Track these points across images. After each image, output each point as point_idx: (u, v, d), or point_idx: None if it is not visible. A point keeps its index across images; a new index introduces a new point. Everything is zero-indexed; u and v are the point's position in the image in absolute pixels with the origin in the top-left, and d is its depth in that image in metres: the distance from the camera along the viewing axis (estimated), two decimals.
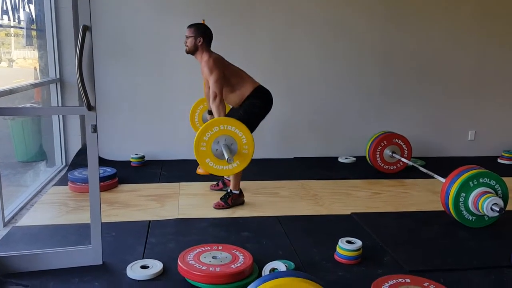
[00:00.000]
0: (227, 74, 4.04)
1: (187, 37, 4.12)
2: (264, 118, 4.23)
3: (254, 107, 4.09)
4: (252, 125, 4.03)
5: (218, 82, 3.96)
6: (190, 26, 4.15)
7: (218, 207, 4.14)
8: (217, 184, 4.66)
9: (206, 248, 3.07)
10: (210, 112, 4.56)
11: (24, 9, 4.52)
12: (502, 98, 6.20)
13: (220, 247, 3.10)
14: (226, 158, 3.66)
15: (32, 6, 4.75)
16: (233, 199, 4.18)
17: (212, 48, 4.14)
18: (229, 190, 4.22)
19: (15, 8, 4.26)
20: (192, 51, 4.13)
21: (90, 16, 2.65)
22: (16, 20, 4.40)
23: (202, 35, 4.07)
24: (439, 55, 5.95)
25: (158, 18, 5.40)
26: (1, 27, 4.38)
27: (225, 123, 3.78)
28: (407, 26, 5.82)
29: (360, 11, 5.70)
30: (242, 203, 4.26)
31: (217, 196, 4.38)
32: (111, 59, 5.39)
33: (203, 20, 4.76)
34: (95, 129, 2.81)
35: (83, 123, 4.98)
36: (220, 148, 3.77)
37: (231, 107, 4.35)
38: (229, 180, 4.48)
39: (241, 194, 4.25)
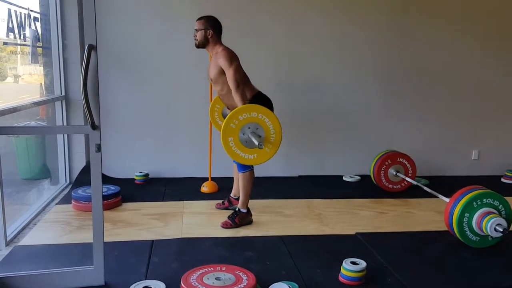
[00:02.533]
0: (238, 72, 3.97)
1: (197, 30, 4.04)
2: None
3: None
4: None
5: (238, 71, 3.90)
6: (199, 19, 4.07)
7: (226, 226, 4.11)
8: (223, 203, 4.63)
9: (210, 269, 3.05)
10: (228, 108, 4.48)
11: (30, 27, 4.55)
12: (505, 117, 6.19)
13: (223, 268, 3.08)
14: (257, 144, 3.59)
15: (38, 24, 4.78)
16: (241, 218, 4.15)
17: None
18: (237, 209, 4.19)
19: (21, 26, 4.29)
20: (202, 44, 4.06)
21: (95, 35, 2.66)
22: (22, 38, 4.42)
23: (212, 27, 4.01)
24: (443, 74, 5.96)
25: (163, 37, 5.43)
26: (6, 44, 4.41)
27: (247, 111, 3.69)
28: (411, 45, 5.83)
29: (364, 30, 5.73)
30: (250, 222, 4.22)
31: (221, 214, 4.36)
32: (116, 77, 5.41)
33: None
34: (99, 148, 2.81)
35: (88, 141, 4.98)
36: (248, 138, 3.69)
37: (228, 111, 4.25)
38: (236, 199, 4.46)
39: (249, 213, 4.22)
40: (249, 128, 3.70)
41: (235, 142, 3.69)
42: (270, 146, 3.75)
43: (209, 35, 4.01)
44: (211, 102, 4.92)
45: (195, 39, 4.08)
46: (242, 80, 3.93)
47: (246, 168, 4.09)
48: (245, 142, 3.71)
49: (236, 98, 3.86)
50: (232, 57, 3.93)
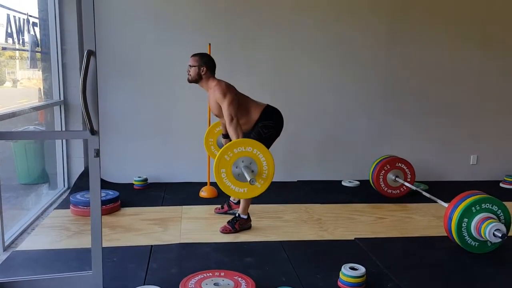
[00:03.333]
0: (237, 98, 4.05)
1: (190, 66, 4.13)
2: (279, 136, 4.23)
3: (266, 128, 4.09)
4: (266, 145, 4.01)
5: (232, 104, 3.96)
6: (193, 56, 4.16)
7: (225, 231, 4.10)
8: (222, 207, 4.63)
9: (208, 275, 3.04)
10: (225, 136, 4.52)
11: (29, 32, 4.55)
12: (504, 122, 6.20)
13: (222, 273, 3.07)
14: (249, 180, 3.59)
15: (37, 29, 4.78)
16: (241, 224, 4.14)
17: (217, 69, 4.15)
18: (237, 215, 4.18)
19: (19, 31, 4.29)
20: (195, 80, 4.14)
21: (95, 41, 2.66)
22: (21, 43, 4.43)
23: (205, 64, 4.09)
24: (442, 79, 5.97)
25: (162, 42, 5.44)
26: (5, 49, 4.41)
27: (242, 145, 3.71)
28: (410, 49, 5.84)
29: (363, 33, 5.74)
30: (249, 227, 4.22)
31: (220, 219, 4.36)
32: (115, 82, 5.41)
33: (209, 45, 4.80)
34: (97, 153, 2.80)
35: (86, 146, 4.97)
36: (241, 171, 3.70)
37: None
38: (235, 203, 4.45)
39: (248, 218, 4.21)
40: (242, 162, 3.71)
41: (227, 174, 3.70)
42: (261, 182, 3.75)
43: (202, 72, 4.09)
44: (207, 131, 4.96)
45: (188, 74, 4.17)
46: (237, 114, 4.00)
47: None
48: (237, 176, 3.71)
49: (230, 131, 3.96)
50: (226, 91, 4.00)
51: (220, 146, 4.81)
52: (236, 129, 3.93)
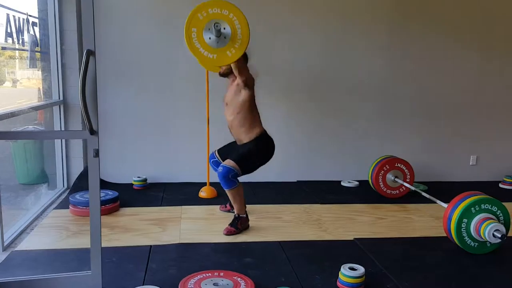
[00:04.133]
0: (253, 99, 4.06)
1: None
2: (263, 165, 4.21)
3: (254, 155, 4.06)
4: (247, 168, 4.03)
5: (250, 87, 3.98)
6: None
7: (229, 233, 4.07)
8: (225, 206, 4.64)
9: (208, 275, 3.04)
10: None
11: (28, 32, 4.55)
12: (503, 123, 6.20)
13: (221, 274, 3.07)
14: (214, 34, 3.45)
15: (36, 29, 4.78)
16: (242, 223, 4.14)
17: None
18: (236, 215, 4.17)
19: (19, 31, 4.29)
20: (226, 73, 4.12)
21: (94, 40, 2.66)
22: (20, 43, 4.42)
23: (242, 56, 3.94)
24: (441, 80, 5.97)
25: (162, 42, 5.43)
26: (5, 49, 4.40)
27: (219, 7, 3.50)
28: (409, 52, 5.84)
29: (363, 36, 5.74)
30: (247, 227, 4.22)
31: (219, 220, 4.36)
32: (115, 82, 5.41)
33: None
34: (97, 153, 2.80)
35: (86, 146, 4.97)
36: (212, 35, 3.51)
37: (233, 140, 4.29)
38: None
39: (247, 217, 4.21)
40: (216, 25, 3.51)
41: (197, 35, 3.52)
42: (232, 51, 3.55)
43: (238, 63, 3.87)
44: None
45: (219, 67, 4.11)
46: (252, 86, 3.99)
47: (233, 184, 4.00)
48: (208, 39, 3.55)
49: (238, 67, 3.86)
50: (251, 79, 4.02)
51: None
52: (243, 69, 3.89)
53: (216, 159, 4.36)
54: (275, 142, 4.20)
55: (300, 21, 5.62)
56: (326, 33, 5.69)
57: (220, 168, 3.96)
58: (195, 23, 3.50)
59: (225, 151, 4.28)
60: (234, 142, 4.26)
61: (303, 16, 5.60)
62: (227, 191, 4.06)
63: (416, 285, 3.22)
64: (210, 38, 3.52)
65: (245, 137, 4.10)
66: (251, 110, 4.08)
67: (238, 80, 3.97)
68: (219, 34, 3.49)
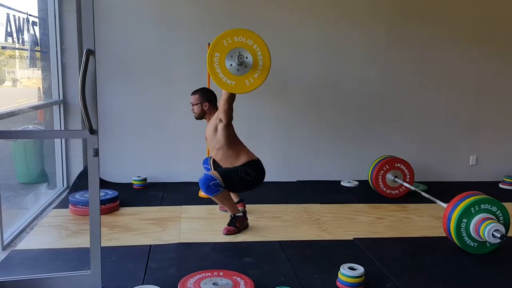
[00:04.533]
0: (232, 130, 4.10)
1: (193, 104, 4.21)
2: (250, 190, 4.20)
3: (240, 174, 4.02)
4: (231, 184, 3.98)
5: (228, 124, 4.01)
6: (193, 93, 4.26)
7: (229, 232, 4.08)
8: None
9: (207, 274, 3.04)
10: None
11: (28, 31, 4.55)
12: (503, 123, 6.20)
13: (221, 273, 3.07)
14: (236, 63, 3.54)
15: (36, 28, 4.78)
16: (240, 222, 4.14)
17: None
18: (231, 215, 4.16)
19: (19, 30, 4.29)
20: (200, 116, 4.24)
21: (94, 40, 2.66)
22: (20, 42, 4.42)
23: (207, 99, 4.20)
24: (442, 80, 5.97)
25: (162, 41, 5.44)
26: (5, 48, 4.40)
27: (244, 35, 3.57)
28: (409, 50, 5.84)
29: (362, 36, 5.74)
30: (247, 226, 4.22)
31: (219, 219, 4.36)
32: (115, 82, 5.41)
33: (208, 44, 4.79)
34: (96, 152, 2.80)
35: (85, 145, 4.98)
36: (234, 63, 3.58)
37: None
38: (237, 202, 4.41)
39: (245, 216, 4.21)
40: (239, 53, 3.58)
41: (220, 60, 3.58)
42: (250, 81, 3.62)
43: (205, 107, 4.19)
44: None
45: (193, 112, 4.25)
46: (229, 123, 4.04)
47: (215, 191, 3.93)
48: (229, 66, 3.60)
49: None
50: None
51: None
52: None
53: (209, 166, 4.37)
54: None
55: (299, 22, 5.62)
56: (326, 35, 5.69)
57: (201, 176, 3.95)
58: (219, 48, 3.58)
59: (219, 166, 4.24)
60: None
61: (301, 16, 5.60)
62: (211, 197, 4.02)
63: (416, 285, 3.22)
64: (231, 65, 3.61)
65: (236, 159, 4.11)
66: (233, 144, 4.10)
67: (222, 118, 3.96)
68: (241, 63, 3.59)
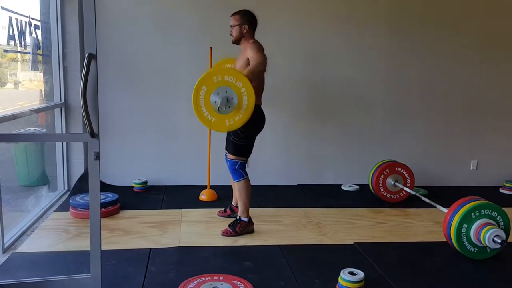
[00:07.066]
0: (264, 69, 3.97)
1: (232, 26, 4.07)
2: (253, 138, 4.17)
3: (242, 134, 4.01)
4: (245, 151, 4.07)
5: (261, 64, 3.84)
6: (234, 14, 4.10)
7: (226, 234, 4.09)
8: (225, 211, 4.63)
9: (207, 278, 3.04)
10: None
11: (30, 35, 4.56)
12: (504, 128, 6.20)
13: (221, 277, 3.08)
14: (218, 106, 3.56)
15: (38, 32, 4.79)
16: (242, 227, 4.13)
17: None
18: (237, 217, 4.17)
19: (21, 33, 4.30)
20: (238, 40, 4.09)
21: (96, 44, 2.66)
22: (22, 45, 4.44)
23: (247, 22, 4.04)
24: (443, 85, 5.98)
25: (163, 45, 5.45)
26: (7, 52, 4.42)
27: (234, 76, 3.61)
28: (410, 57, 5.85)
29: (364, 41, 5.75)
30: (251, 231, 4.20)
31: (220, 223, 4.36)
32: (116, 86, 5.42)
33: (210, 48, 4.82)
34: (97, 156, 2.80)
35: (86, 148, 4.98)
36: (218, 100, 3.59)
37: None
38: (237, 207, 4.44)
39: (250, 222, 4.20)
40: (226, 92, 3.61)
41: (205, 94, 3.61)
42: (230, 121, 3.67)
43: (244, 29, 4.04)
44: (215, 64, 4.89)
45: (231, 35, 4.11)
46: (258, 77, 3.90)
47: (240, 176, 4.09)
48: (213, 103, 3.63)
49: (250, 69, 3.79)
50: (260, 48, 3.94)
51: None
52: (254, 72, 3.79)
53: (226, 154, 4.36)
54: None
55: (301, 24, 5.63)
56: (326, 37, 5.69)
57: (227, 163, 4.15)
58: (207, 83, 3.61)
59: (226, 143, 4.29)
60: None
61: (303, 19, 5.61)
62: (235, 183, 4.15)
63: None
64: (215, 102, 3.63)
65: None
66: (260, 79, 4.05)
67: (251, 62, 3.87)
68: (225, 103, 3.62)
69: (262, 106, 4.14)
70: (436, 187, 5.96)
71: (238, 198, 4.18)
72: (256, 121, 4.02)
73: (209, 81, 3.60)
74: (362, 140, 5.96)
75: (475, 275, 3.49)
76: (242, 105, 3.65)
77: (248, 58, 3.94)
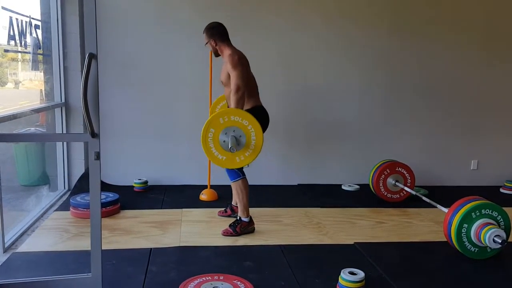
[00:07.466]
0: (247, 75, 4.03)
1: (206, 44, 4.18)
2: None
3: None
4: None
5: (242, 77, 3.90)
6: (203, 32, 4.18)
7: (226, 234, 4.09)
8: (225, 211, 4.63)
9: (207, 278, 3.04)
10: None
11: (31, 34, 4.56)
12: (505, 128, 6.20)
13: (221, 277, 3.08)
14: (229, 147, 3.66)
15: (39, 31, 4.80)
16: (242, 227, 4.13)
17: None
18: (238, 217, 4.17)
19: (22, 33, 4.30)
20: (216, 53, 4.19)
21: (96, 44, 2.66)
22: (23, 45, 4.44)
23: (212, 36, 4.12)
24: (443, 84, 5.98)
25: (163, 45, 5.45)
26: (8, 51, 4.42)
27: (240, 116, 3.73)
28: (410, 56, 5.85)
29: (364, 40, 5.74)
30: (252, 231, 4.21)
31: (220, 223, 4.36)
32: (116, 86, 5.42)
33: (211, 51, 4.81)
34: (98, 156, 2.80)
35: (87, 148, 4.99)
36: (227, 139, 3.72)
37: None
38: (237, 207, 4.44)
39: (251, 222, 4.20)
40: (234, 131, 3.74)
41: (214, 136, 3.73)
42: (241, 158, 3.80)
43: (214, 44, 4.13)
44: (210, 107, 4.97)
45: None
46: (244, 86, 3.92)
47: (236, 176, 4.09)
48: (222, 142, 3.74)
49: (233, 100, 3.90)
50: (238, 63, 3.95)
51: None
52: (239, 100, 3.88)
53: None
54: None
55: (302, 24, 5.62)
56: (325, 35, 5.69)
57: None
58: (214, 125, 3.74)
59: None
60: None
61: (304, 18, 5.61)
62: (231, 183, 4.13)
63: None
64: (224, 141, 3.75)
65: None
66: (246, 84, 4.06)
67: (231, 85, 3.95)
68: (235, 142, 3.74)
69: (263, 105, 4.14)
70: (436, 187, 5.96)
71: (236, 198, 4.19)
72: (261, 123, 4.03)
73: (216, 123, 3.73)
74: (363, 139, 5.96)
75: (475, 275, 3.49)
76: (250, 142, 3.77)
77: (228, 73, 4.03)
